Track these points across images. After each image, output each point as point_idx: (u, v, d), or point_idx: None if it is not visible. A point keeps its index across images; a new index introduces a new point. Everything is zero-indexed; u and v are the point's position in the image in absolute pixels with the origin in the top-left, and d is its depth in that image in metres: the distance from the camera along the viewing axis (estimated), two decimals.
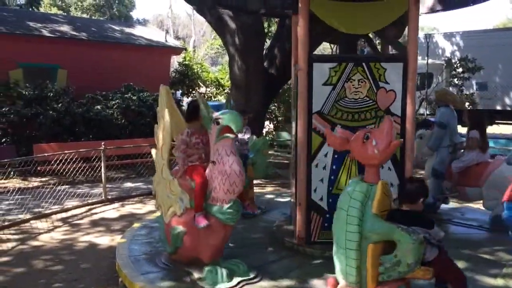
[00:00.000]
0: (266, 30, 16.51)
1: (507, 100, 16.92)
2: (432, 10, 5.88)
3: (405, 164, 4.83)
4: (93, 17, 31.13)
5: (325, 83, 4.75)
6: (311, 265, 4.58)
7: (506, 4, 55.47)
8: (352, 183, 3.28)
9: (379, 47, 6.62)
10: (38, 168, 9.58)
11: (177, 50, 17.90)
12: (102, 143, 8.52)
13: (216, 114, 4.05)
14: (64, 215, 7.34)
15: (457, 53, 17.32)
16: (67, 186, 8.75)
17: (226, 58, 14.60)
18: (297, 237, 4.94)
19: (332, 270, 3.42)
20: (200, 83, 19.36)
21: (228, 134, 3.92)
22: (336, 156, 4.77)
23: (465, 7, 6.16)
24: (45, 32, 13.85)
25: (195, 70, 19.07)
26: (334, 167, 4.80)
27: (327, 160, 4.77)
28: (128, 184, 9.68)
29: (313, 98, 4.76)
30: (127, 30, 17.24)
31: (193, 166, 4.29)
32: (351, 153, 3.37)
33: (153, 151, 4.65)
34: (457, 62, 15.52)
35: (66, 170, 8.93)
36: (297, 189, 4.98)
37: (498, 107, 17.31)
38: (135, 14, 49.28)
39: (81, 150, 8.86)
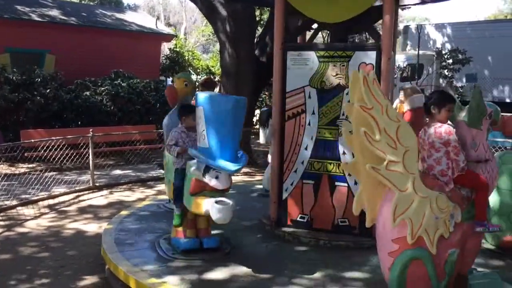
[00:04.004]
0: (258, 18, 16.42)
1: (495, 92, 17.05)
2: (423, 2, 5.88)
3: None
4: (82, 2, 30.66)
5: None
6: None
7: None
8: None
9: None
10: (25, 154, 9.49)
11: (167, 37, 17.73)
12: (90, 129, 8.46)
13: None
14: (51, 202, 7.30)
15: (448, 45, 17.36)
16: (54, 173, 8.69)
17: (218, 45, 14.50)
18: None
19: None
20: (191, 71, 19.25)
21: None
22: None
23: None
24: (34, 17, 13.63)
25: (186, 58, 18.93)
26: None
27: None
28: (117, 172, 9.64)
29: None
30: (118, 15, 17.02)
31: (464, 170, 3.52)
32: None
33: (368, 166, 3.15)
34: (447, 53, 15.58)
35: (54, 156, 8.86)
36: None
37: (487, 99, 17.49)
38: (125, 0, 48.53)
39: (68, 136, 8.79)
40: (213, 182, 4.03)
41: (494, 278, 3.71)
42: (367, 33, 6.41)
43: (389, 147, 3.13)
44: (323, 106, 4.84)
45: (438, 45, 17.81)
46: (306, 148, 4.93)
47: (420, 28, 17.95)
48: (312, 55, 4.88)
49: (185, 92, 5.79)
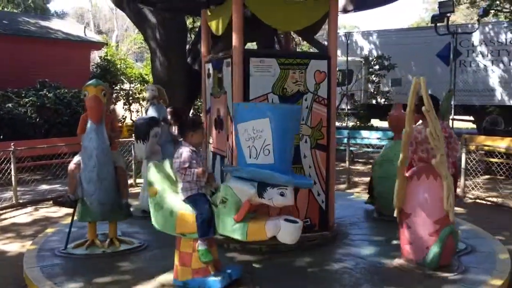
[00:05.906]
0: (191, 26, 16.34)
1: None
2: (345, 11, 6.13)
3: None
4: (5, 9, 29.01)
5: None
6: None
7: (420, 5, 59.17)
8: None
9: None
10: None
11: (97, 45, 17.23)
12: (12, 143, 7.98)
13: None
14: None
15: (374, 51, 18.14)
16: None
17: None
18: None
19: None
20: (124, 79, 18.75)
21: None
22: None
23: (375, 8, 6.51)
24: None
25: (118, 66, 18.42)
26: None
27: None
28: (43, 187, 9.16)
29: None
30: (42, 23, 16.33)
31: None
32: None
33: (435, 161, 4.02)
34: (374, 59, 16.29)
35: None
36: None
37: None
38: (52, 7, 46.45)
39: None
40: (278, 200, 3.50)
41: None
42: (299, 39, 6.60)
43: (439, 142, 3.89)
44: None
45: (366, 51, 18.56)
46: None
47: (348, 35, 18.66)
48: (274, 62, 4.80)
49: (104, 103, 4.69)
